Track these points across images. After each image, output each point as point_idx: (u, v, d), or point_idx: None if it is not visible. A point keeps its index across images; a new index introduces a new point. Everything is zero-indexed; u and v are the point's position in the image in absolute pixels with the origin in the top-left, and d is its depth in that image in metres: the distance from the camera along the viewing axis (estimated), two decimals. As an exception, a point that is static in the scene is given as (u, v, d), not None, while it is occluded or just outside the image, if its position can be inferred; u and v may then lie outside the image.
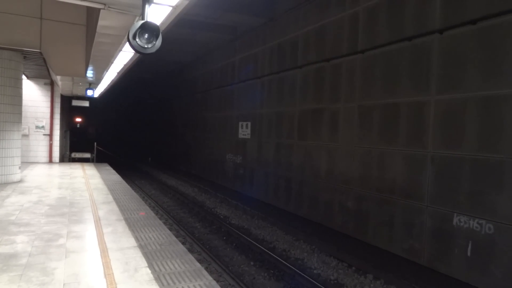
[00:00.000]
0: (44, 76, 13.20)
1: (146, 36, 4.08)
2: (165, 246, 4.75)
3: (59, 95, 14.82)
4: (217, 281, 5.47)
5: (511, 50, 5.12)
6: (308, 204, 9.42)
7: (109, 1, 4.33)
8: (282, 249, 7.50)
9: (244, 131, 12.94)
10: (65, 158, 16.63)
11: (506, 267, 5.10)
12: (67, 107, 18.22)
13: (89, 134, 41.57)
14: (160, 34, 4.18)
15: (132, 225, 5.64)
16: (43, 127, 14.26)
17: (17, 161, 9.27)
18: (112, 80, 13.05)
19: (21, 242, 4.62)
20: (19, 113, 9.29)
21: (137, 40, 4.05)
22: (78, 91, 15.70)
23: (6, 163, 8.95)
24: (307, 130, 9.52)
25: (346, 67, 8.17)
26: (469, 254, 5.54)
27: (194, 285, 3.61)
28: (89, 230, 5.30)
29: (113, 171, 12.64)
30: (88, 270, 3.84)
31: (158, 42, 4.18)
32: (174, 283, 3.64)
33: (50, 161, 14.45)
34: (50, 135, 14.44)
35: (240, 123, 13.32)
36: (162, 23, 5.10)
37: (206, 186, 14.60)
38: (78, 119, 35.22)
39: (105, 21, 5.20)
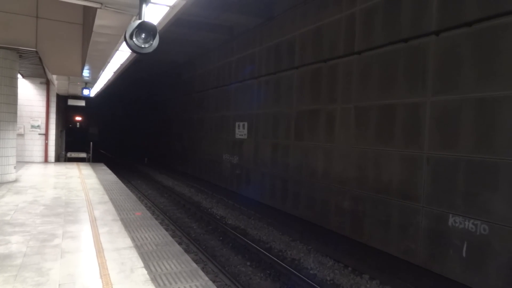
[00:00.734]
0: (40, 75, 13.13)
1: (143, 35, 4.07)
2: (162, 246, 4.74)
3: (55, 95, 14.74)
4: (214, 282, 5.46)
5: (505, 52, 5.16)
6: (304, 204, 9.44)
7: (106, 1, 4.31)
8: (279, 250, 7.51)
9: (241, 131, 12.94)
10: (60, 157, 16.54)
11: (501, 268, 5.13)
12: (63, 106, 18.12)
13: (91, 135, 40.85)
14: (157, 34, 4.17)
15: (128, 225, 5.63)
16: (38, 126, 14.18)
17: (12, 160, 9.21)
18: (109, 79, 12.99)
19: (16, 243, 4.59)
20: (15, 112, 9.23)
21: (134, 39, 4.03)
22: (74, 91, 15.62)
23: (1, 163, 8.89)
24: (303, 130, 9.54)
25: (343, 68, 8.19)
26: (464, 254, 5.57)
27: (190, 286, 3.60)
28: (84, 230, 5.27)
29: (109, 171, 12.60)
30: (83, 270, 3.83)
31: (155, 42, 4.17)
32: (171, 284, 3.63)
33: (46, 160, 14.37)
34: (46, 135, 14.36)
35: (237, 124, 13.32)
36: (159, 23, 5.09)
37: (202, 186, 14.58)
38: (78, 118, 34.55)
39: (102, 21, 5.18)
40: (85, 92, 14.43)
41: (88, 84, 13.98)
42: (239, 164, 13.13)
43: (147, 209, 7.38)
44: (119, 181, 10.37)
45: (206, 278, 3.82)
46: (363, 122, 7.63)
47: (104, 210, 6.59)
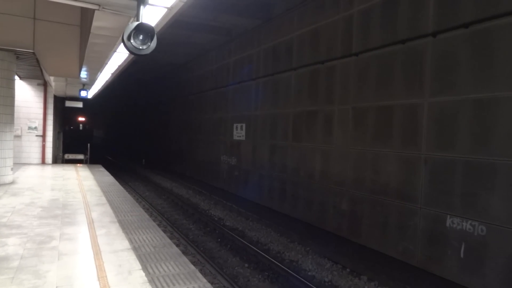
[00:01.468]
0: (37, 77, 13.09)
1: (141, 37, 4.07)
2: (159, 248, 4.72)
3: (52, 96, 14.70)
4: (212, 283, 5.45)
5: (502, 54, 5.19)
6: (302, 205, 9.44)
7: (104, 2, 4.30)
8: (277, 251, 7.50)
9: (239, 132, 12.94)
10: (58, 159, 16.49)
11: (498, 269, 5.15)
12: (60, 107, 18.08)
13: (95, 139, 38.46)
14: (155, 36, 4.17)
15: (126, 227, 5.61)
16: (36, 128, 14.14)
17: (9, 162, 9.17)
18: (106, 81, 12.97)
19: (12, 245, 4.57)
20: (12, 113, 9.20)
21: (131, 41, 4.03)
22: (72, 92, 15.58)
23: (-2, 165, 8.85)
24: (301, 132, 9.55)
25: (341, 70, 8.21)
26: (462, 255, 5.59)
27: (188, 288, 3.60)
28: (82, 232, 5.25)
29: (107, 173, 12.57)
30: (81, 272, 3.81)
31: (153, 44, 4.17)
32: (168, 286, 3.62)
33: (43, 162, 14.32)
34: (43, 136, 14.32)
35: (234, 125, 13.31)
36: (157, 25, 5.09)
37: (200, 188, 14.57)
38: (81, 119, 33.24)
39: (99, 22, 5.17)
40: (83, 93, 14.41)
41: (86, 86, 13.95)
42: (237, 166, 13.12)
43: (144, 211, 7.37)
44: (117, 183, 10.35)
45: (204, 280, 3.81)
46: (360, 123, 7.64)
47: (102, 212, 6.56)
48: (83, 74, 10.62)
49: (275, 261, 6.70)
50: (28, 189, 8.54)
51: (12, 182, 9.31)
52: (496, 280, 5.16)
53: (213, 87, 15.36)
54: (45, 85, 14.28)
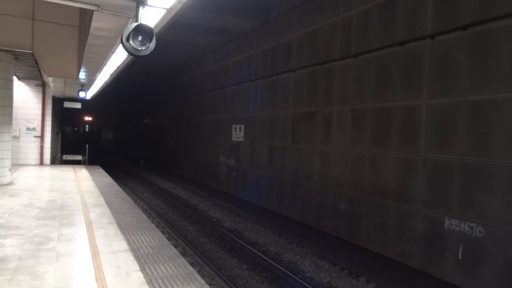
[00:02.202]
0: (35, 78, 13.07)
1: (140, 38, 4.07)
2: (158, 249, 4.72)
3: (51, 97, 14.68)
4: (210, 285, 5.44)
5: (500, 56, 5.21)
6: (301, 207, 9.44)
7: (103, 3, 4.30)
8: (275, 252, 7.49)
9: (238, 134, 12.94)
10: (56, 160, 16.45)
11: (496, 270, 5.16)
12: (59, 108, 18.05)
13: (105, 142, 34.71)
14: (154, 37, 4.17)
15: (124, 228, 5.60)
16: (34, 128, 14.11)
17: (7, 163, 9.15)
18: (105, 82, 12.96)
19: (10, 246, 4.56)
20: (10, 114, 9.18)
21: (130, 42, 4.03)
22: (70, 93, 15.56)
23: (-4, 165, 8.83)
24: (300, 133, 9.55)
25: (339, 71, 8.23)
26: (460, 257, 5.60)
27: (186, 289, 3.59)
28: (80, 233, 5.24)
29: (105, 174, 12.55)
30: (79, 274, 3.80)
31: (152, 45, 4.17)
32: (167, 287, 3.62)
33: (41, 163, 14.29)
34: (41, 137, 14.29)
35: (233, 126, 13.32)
36: (156, 26, 5.09)
37: (199, 189, 14.55)
38: (88, 118, 28.20)
39: (98, 23, 5.17)
40: (81, 94, 14.39)
41: (84, 87, 13.94)
42: (235, 167, 13.11)
43: (143, 212, 7.36)
44: (115, 184, 10.33)
45: (203, 281, 3.81)
46: (359, 124, 7.65)
47: (100, 213, 6.55)
48: (82, 75, 10.61)
49: (274, 263, 6.69)
50: (26, 190, 8.51)
51: (10, 183, 9.29)
52: (494, 281, 5.17)
53: (212, 88, 15.36)
54: (43, 86, 14.26)
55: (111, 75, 10.88)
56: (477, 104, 5.48)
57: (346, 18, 8.05)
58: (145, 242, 4.99)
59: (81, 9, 7.43)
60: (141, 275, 3.85)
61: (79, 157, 16.76)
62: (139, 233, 5.39)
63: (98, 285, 3.53)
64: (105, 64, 8.81)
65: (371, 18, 7.39)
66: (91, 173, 12.36)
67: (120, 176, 18.56)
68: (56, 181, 10.11)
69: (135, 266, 4.08)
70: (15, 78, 11.41)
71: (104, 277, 3.72)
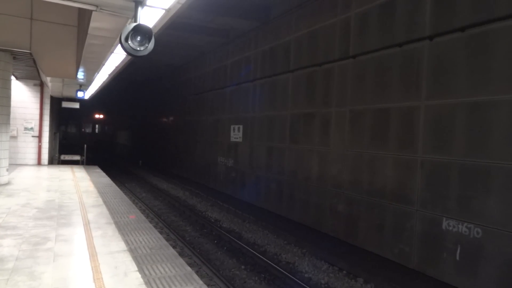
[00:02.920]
0: (33, 77, 13.04)
1: (138, 38, 4.07)
2: (156, 250, 4.71)
3: (49, 97, 14.64)
4: (208, 285, 5.43)
5: (498, 57, 5.23)
6: (299, 207, 9.44)
7: (101, 3, 4.30)
8: (273, 253, 7.49)
9: (236, 134, 12.93)
10: (54, 160, 16.41)
11: (493, 271, 5.17)
12: (57, 108, 18.01)
13: (120, 146, 29.29)
14: (153, 37, 4.17)
15: (122, 229, 5.59)
16: (32, 128, 14.07)
17: (5, 163, 9.12)
18: (104, 82, 12.94)
19: (7, 246, 4.54)
20: (8, 114, 9.15)
21: (129, 42, 4.03)
22: (69, 93, 15.53)
23: (-6, 165, 8.80)
24: (298, 134, 9.56)
25: (338, 72, 8.24)
26: (458, 258, 5.61)
27: (184, 290, 3.59)
28: (78, 233, 5.23)
29: (103, 174, 12.52)
30: (76, 274, 3.79)
31: (151, 45, 4.17)
32: (165, 287, 3.61)
33: (39, 163, 14.25)
34: (39, 137, 14.24)
35: (232, 127, 13.31)
36: (154, 26, 5.08)
37: (197, 190, 14.54)
38: (99, 116, 22.65)
39: (97, 23, 5.17)
40: (80, 94, 14.35)
41: (83, 86, 13.91)
42: (234, 167, 13.11)
43: (141, 212, 7.34)
44: (113, 184, 10.31)
45: (201, 282, 3.80)
46: (358, 125, 7.67)
47: (98, 213, 6.54)
48: (80, 75, 10.59)
49: (272, 263, 6.69)
50: (24, 190, 8.49)
51: (8, 183, 9.25)
52: (492, 282, 5.18)
53: (211, 88, 15.36)
54: (41, 86, 14.22)
55: (109, 75, 10.86)
56: (475, 105, 5.50)
57: (344, 19, 8.06)
58: (143, 242, 4.98)
59: (79, 9, 7.43)
60: (139, 275, 3.84)
61: (77, 157, 16.72)
62: (137, 234, 5.38)
63: (96, 286, 3.52)
64: (103, 64, 8.79)
65: (370, 19, 7.41)
66: (89, 173, 12.33)
67: (117, 176, 18.52)
68: (54, 181, 10.08)
69: (133, 266, 4.08)
70: (13, 77, 11.37)
71: (102, 278, 3.71)
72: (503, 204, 5.09)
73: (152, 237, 5.25)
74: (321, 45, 8.80)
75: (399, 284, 5.84)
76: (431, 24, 6.18)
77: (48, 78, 11.63)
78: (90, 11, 4.66)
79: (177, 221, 10.27)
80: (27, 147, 14.04)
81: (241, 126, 12.63)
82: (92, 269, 3.91)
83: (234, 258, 7.33)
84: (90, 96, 17.30)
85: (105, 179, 11.26)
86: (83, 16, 6.53)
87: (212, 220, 10.23)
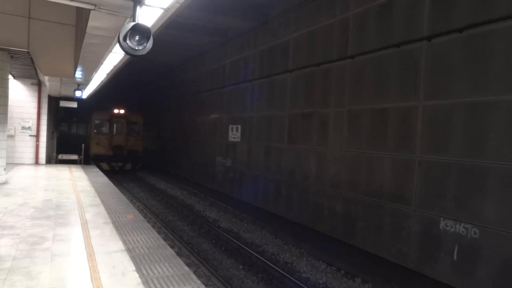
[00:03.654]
0: (31, 76, 12.98)
1: (137, 38, 4.06)
2: (153, 249, 4.70)
3: (47, 96, 14.59)
4: (206, 285, 5.44)
5: (496, 58, 5.25)
6: (297, 207, 9.45)
7: (100, 2, 4.29)
8: (271, 253, 7.50)
9: (234, 134, 12.93)
10: (52, 159, 16.35)
11: (491, 271, 5.19)
12: (54, 107, 17.94)
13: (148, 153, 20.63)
14: (151, 36, 4.17)
15: (120, 229, 5.58)
16: (29, 128, 14.02)
17: (2, 162, 9.08)
18: (102, 81, 12.90)
19: (4, 246, 4.52)
20: (5, 113, 9.11)
21: (127, 42, 4.02)
22: (67, 92, 15.48)
23: (-9, 165, 8.76)
24: (297, 134, 9.57)
25: (336, 72, 8.25)
26: (455, 258, 5.62)
27: (182, 289, 3.58)
28: (75, 233, 5.22)
29: (101, 173, 12.49)
30: (74, 274, 3.78)
31: (149, 44, 4.17)
32: (162, 287, 3.60)
33: (37, 162, 14.20)
34: (37, 136, 14.20)
35: (230, 126, 13.31)
36: (153, 25, 5.08)
37: (195, 189, 14.52)
38: (118, 111, 17.45)
39: (95, 22, 5.15)
40: (77, 93, 14.30)
41: (81, 86, 13.86)
42: (232, 167, 13.10)
43: (139, 212, 7.33)
44: (111, 184, 10.29)
45: (199, 282, 3.80)
46: (356, 126, 7.68)
47: (96, 213, 6.52)
48: (78, 74, 10.56)
49: (270, 263, 6.69)
50: (21, 189, 8.46)
51: (5, 182, 9.22)
52: (489, 282, 5.20)
53: (209, 88, 15.34)
54: (39, 85, 14.17)
55: (107, 74, 10.84)
56: (473, 105, 5.52)
57: (343, 19, 8.07)
58: (141, 242, 4.97)
59: (77, 8, 7.40)
60: (137, 275, 3.83)
61: (74, 157, 16.67)
62: (135, 233, 5.37)
63: (93, 285, 3.51)
64: (102, 64, 8.77)
65: (368, 20, 7.42)
66: (86, 173, 12.30)
67: (115, 176, 18.48)
68: (52, 181, 10.05)
69: (130, 266, 4.07)
70: (10, 76, 11.33)
71: (99, 277, 3.70)
72: (500, 205, 5.11)
73: (150, 237, 5.24)
74: (319, 45, 8.81)
75: (397, 284, 5.85)
76: (429, 25, 6.20)
77: (46, 77, 11.59)
78: (89, 10, 4.65)
79: (175, 221, 10.26)
80: (25, 146, 13.99)
81: (239, 126, 12.63)
82: (89, 269, 3.90)
83: (232, 258, 7.33)
84: (87, 96, 17.23)
85: (102, 178, 11.23)
86: (81, 15, 6.51)
87: (210, 220, 10.22)
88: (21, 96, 13.90)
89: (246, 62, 12.28)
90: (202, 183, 15.72)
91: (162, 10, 4.55)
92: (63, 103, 17.05)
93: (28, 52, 8.46)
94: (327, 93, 8.52)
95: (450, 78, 5.85)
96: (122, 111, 19.27)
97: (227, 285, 5.91)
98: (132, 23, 4.01)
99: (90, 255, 4.33)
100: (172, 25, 10.90)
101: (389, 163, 6.85)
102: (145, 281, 3.69)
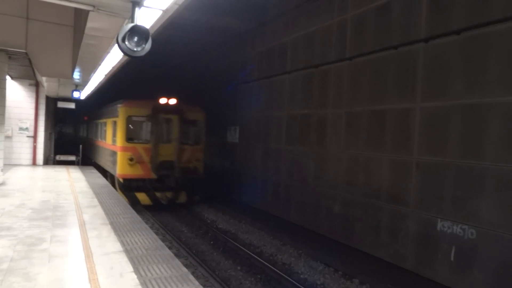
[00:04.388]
0: (29, 77, 12.96)
1: (135, 39, 4.06)
2: (152, 250, 4.70)
3: (44, 97, 14.56)
4: (204, 286, 5.43)
5: (493, 60, 5.28)
6: (295, 208, 9.45)
7: (98, 3, 4.29)
8: (269, 254, 7.49)
9: (233, 135, 12.93)
10: (49, 160, 16.30)
11: (487, 271, 5.21)
12: (52, 108, 17.89)
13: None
14: (150, 37, 4.17)
15: (118, 230, 5.57)
16: (27, 128, 13.98)
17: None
18: (100, 82, 12.88)
19: (2, 247, 4.51)
20: (2, 114, 9.08)
21: (126, 43, 4.02)
22: (64, 93, 15.44)
23: (-12, 165, 8.73)
24: (295, 135, 9.58)
25: (334, 74, 8.27)
26: (452, 258, 5.64)
27: (180, 290, 3.58)
28: (73, 234, 5.20)
29: (99, 174, 12.46)
30: (72, 275, 3.77)
31: (148, 46, 4.17)
32: (160, 288, 3.60)
33: (34, 163, 14.15)
34: (34, 137, 14.15)
35: (228, 128, 13.31)
36: (151, 27, 5.08)
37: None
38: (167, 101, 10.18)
39: (93, 23, 5.15)
40: (75, 94, 14.27)
41: (79, 86, 13.84)
42: (230, 168, 13.10)
43: (137, 213, 7.32)
44: (109, 185, 10.26)
45: (197, 283, 3.80)
46: (353, 127, 7.70)
47: (93, 214, 6.51)
48: (76, 75, 10.54)
49: (268, 264, 6.69)
50: (19, 190, 8.43)
51: (2, 183, 9.18)
52: (486, 282, 5.22)
53: (208, 88, 15.34)
54: (37, 86, 14.14)
55: (105, 75, 10.82)
56: (470, 107, 5.55)
57: (341, 21, 8.10)
58: (139, 243, 4.96)
59: (76, 9, 7.39)
60: (135, 276, 3.83)
61: (72, 158, 16.63)
62: (133, 234, 5.36)
63: (91, 287, 3.51)
64: (100, 64, 8.76)
65: (366, 22, 7.45)
66: (84, 174, 12.27)
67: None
68: (49, 182, 10.02)
69: (128, 267, 4.06)
70: (8, 77, 11.29)
71: (97, 279, 3.69)
72: (497, 206, 5.13)
73: (148, 238, 5.23)
74: (317, 46, 8.83)
75: (395, 285, 5.87)
76: (426, 27, 6.23)
77: (44, 78, 11.56)
78: (87, 11, 4.65)
79: (173, 222, 10.23)
80: (22, 147, 13.94)
81: (237, 127, 12.63)
82: (87, 270, 3.90)
83: (230, 259, 7.32)
84: (85, 97, 17.18)
85: (100, 179, 11.20)
86: (80, 16, 6.51)
87: (208, 221, 10.21)
88: (19, 97, 13.86)
89: (244, 63, 12.26)
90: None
91: (161, 12, 4.56)
92: (60, 104, 17.01)
93: (26, 52, 8.45)
94: (325, 94, 8.54)
95: (447, 80, 5.87)
96: (173, 102, 10.97)
97: (225, 286, 5.91)
98: (131, 24, 4.01)
99: (88, 256, 4.33)
100: (170, 26, 10.87)
101: (387, 164, 6.87)
102: (143, 282, 3.69)
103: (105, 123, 13.46)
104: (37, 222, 5.74)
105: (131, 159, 10.61)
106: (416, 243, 6.25)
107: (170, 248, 7.50)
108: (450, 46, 5.84)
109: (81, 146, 17.60)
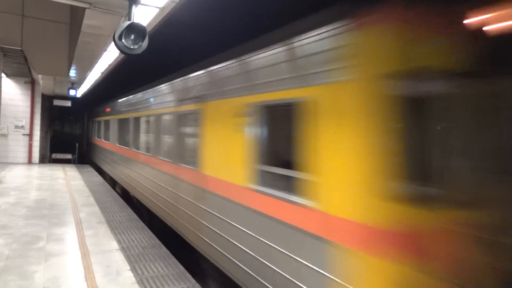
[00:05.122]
0: (24, 75, 12.88)
1: (132, 37, 4.05)
2: (148, 249, 4.70)
3: (40, 94, 14.48)
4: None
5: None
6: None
7: (95, 1, 4.27)
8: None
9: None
10: (45, 158, 16.24)
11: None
12: (47, 106, 17.81)
13: None
14: (147, 35, 4.16)
15: (115, 228, 5.56)
16: (22, 126, 13.91)
17: (-5, 161, 9.00)
18: (96, 80, 12.84)
19: (-2, 245, 4.50)
20: (-2, 112, 9.04)
21: (123, 41, 4.01)
22: (60, 91, 15.38)
23: (-17, 164, 8.68)
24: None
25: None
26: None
27: (177, 288, 3.59)
28: (69, 232, 5.20)
29: (95, 173, 12.43)
30: (68, 273, 3.77)
31: (145, 43, 4.15)
32: (157, 286, 3.61)
33: (30, 162, 14.09)
34: (30, 135, 14.09)
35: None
36: (148, 24, 5.06)
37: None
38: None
39: (90, 21, 5.13)
40: (72, 92, 14.21)
41: (75, 84, 13.78)
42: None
43: (133, 211, 7.32)
44: (105, 183, 10.24)
45: (193, 281, 3.81)
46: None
47: (90, 212, 6.50)
48: (72, 72, 10.50)
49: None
50: (14, 188, 8.40)
51: (-2, 182, 9.15)
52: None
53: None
54: (32, 83, 14.06)
55: (102, 73, 10.78)
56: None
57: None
58: (135, 241, 4.96)
59: (72, 6, 7.36)
60: (132, 274, 3.83)
61: (68, 156, 16.58)
62: (130, 233, 5.36)
63: (88, 285, 3.51)
64: (96, 62, 8.73)
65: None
66: (80, 172, 12.23)
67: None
68: (45, 180, 9.99)
69: (125, 265, 4.06)
70: (3, 75, 11.23)
71: (94, 277, 3.69)
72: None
73: (145, 236, 5.24)
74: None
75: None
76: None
77: (40, 76, 11.50)
78: (83, 9, 4.63)
79: (170, 221, 10.23)
80: (18, 146, 13.87)
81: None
82: (84, 268, 3.89)
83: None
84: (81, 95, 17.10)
85: (97, 178, 11.18)
86: (76, 14, 6.48)
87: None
88: (14, 95, 13.78)
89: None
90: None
91: (158, 9, 4.55)
92: (56, 102, 16.93)
93: (21, 50, 8.40)
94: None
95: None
96: None
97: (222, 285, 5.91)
98: (128, 22, 4.00)
99: (85, 254, 4.32)
100: (167, 23, 10.85)
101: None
102: (139, 280, 3.70)
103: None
104: (33, 220, 5.73)
105: None
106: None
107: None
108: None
109: (77, 144, 17.53)
